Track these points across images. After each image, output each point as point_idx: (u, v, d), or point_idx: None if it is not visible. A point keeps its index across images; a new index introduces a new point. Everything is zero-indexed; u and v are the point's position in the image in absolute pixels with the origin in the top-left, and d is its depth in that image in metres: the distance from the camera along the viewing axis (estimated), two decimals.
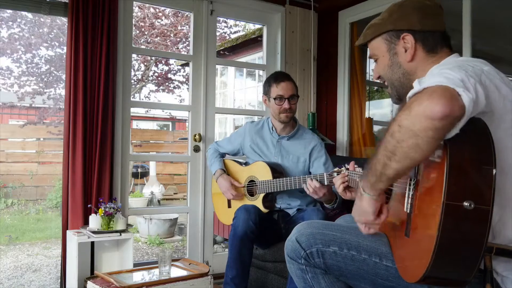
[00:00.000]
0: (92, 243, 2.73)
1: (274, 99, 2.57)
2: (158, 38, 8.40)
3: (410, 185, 1.18)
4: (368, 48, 1.47)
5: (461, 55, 1.36)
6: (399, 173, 1.08)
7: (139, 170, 8.21)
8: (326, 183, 2.21)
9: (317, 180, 2.23)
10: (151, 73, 9.21)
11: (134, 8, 3.19)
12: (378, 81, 1.49)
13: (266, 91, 2.64)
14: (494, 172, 0.99)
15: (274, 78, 2.62)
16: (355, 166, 1.73)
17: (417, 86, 1.04)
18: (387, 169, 1.08)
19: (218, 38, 8.14)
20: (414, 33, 1.33)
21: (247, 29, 8.11)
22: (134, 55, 3.21)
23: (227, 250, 2.43)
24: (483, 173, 1.00)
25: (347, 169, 1.77)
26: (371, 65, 4.02)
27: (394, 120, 1.03)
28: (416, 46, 1.34)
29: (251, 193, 2.60)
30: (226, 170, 2.72)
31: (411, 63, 1.35)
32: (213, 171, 2.74)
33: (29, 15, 7.94)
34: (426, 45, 1.33)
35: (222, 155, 2.83)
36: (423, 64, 1.34)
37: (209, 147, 2.90)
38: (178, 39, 8.59)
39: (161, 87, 9.12)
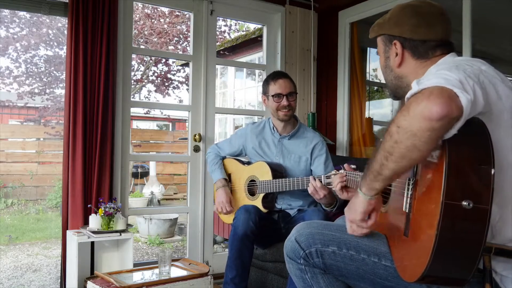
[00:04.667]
0: (92, 243, 2.73)
1: (273, 96, 2.57)
2: (156, 38, 8.38)
3: (409, 184, 1.19)
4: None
5: (461, 55, 1.36)
6: (396, 173, 1.09)
7: (139, 170, 8.21)
8: (323, 183, 2.21)
9: (315, 179, 2.23)
10: (150, 73, 9.21)
11: (135, 7, 3.18)
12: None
13: (265, 90, 2.64)
14: (492, 172, 1.00)
15: (272, 77, 2.63)
16: (350, 166, 1.74)
17: (415, 87, 1.05)
18: (383, 168, 1.09)
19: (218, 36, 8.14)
20: (404, 40, 1.34)
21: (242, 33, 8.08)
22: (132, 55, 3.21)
23: (227, 250, 2.43)
24: (482, 172, 1.00)
25: (344, 169, 1.77)
26: (371, 65, 4.02)
27: (393, 121, 1.04)
28: (404, 54, 1.35)
29: (252, 193, 2.60)
30: (228, 180, 2.69)
31: (400, 68, 1.38)
32: (214, 180, 2.70)
33: (28, 15, 7.94)
34: (415, 53, 1.34)
35: (223, 159, 2.80)
36: (414, 70, 1.35)
37: (209, 150, 2.86)
38: (177, 39, 8.58)
39: (161, 87, 9.10)
